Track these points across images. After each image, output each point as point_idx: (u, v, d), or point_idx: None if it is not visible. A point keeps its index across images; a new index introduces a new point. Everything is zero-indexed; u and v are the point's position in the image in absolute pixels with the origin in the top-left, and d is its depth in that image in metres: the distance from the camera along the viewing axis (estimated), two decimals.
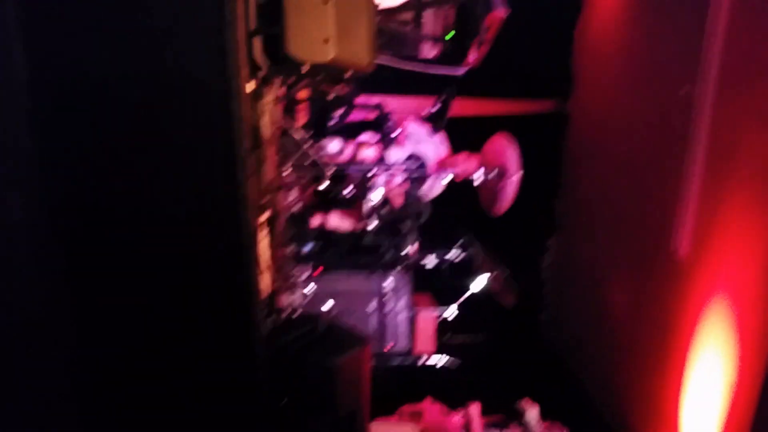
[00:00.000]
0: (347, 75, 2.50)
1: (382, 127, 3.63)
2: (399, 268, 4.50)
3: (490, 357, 5.77)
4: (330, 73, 2.49)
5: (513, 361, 5.71)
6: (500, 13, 2.67)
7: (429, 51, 2.99)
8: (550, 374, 5.83)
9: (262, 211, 2.66)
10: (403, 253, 4.08)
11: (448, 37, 2.83)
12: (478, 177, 3.84)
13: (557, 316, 6.49)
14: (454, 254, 4.31)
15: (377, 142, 3.79)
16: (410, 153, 3.83)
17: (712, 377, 3.92)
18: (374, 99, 3.73)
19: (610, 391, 5.27)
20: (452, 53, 2.93)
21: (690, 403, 4.19)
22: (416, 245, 4.02)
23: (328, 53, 2.27)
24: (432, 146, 4.18)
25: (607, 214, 5.25)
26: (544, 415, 4.08)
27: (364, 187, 3.71)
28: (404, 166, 3.65)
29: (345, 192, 3.72)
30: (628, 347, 5.01)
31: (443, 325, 5.29)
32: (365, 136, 3.81)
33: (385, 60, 2.78)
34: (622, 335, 5.08)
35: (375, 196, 3.72)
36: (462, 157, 4.27)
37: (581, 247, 5.85)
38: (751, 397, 3.48)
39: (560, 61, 5.51)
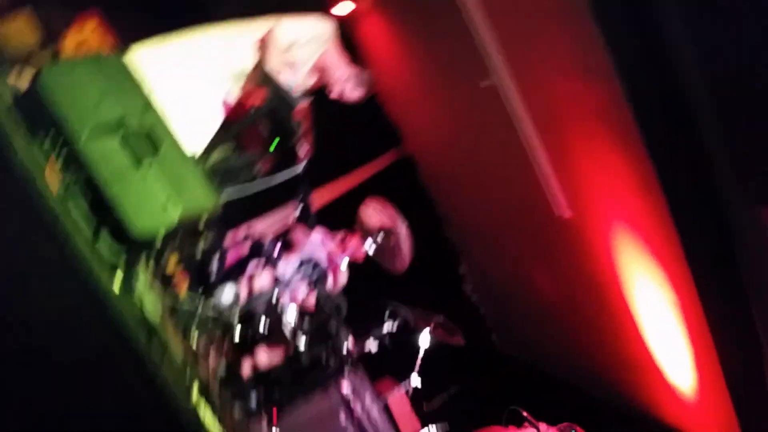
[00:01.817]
0: (201, 224, 2.49)
1: (262, 251, 3.62)
2: (348, 368, 4.40)
3: (469, 402, 5.72)
4: (184, 230, 2.48)
5: (487, 394, 5.66)
6: (302, 105, 2.80)
7: (263, 167, 3.08)
8: (523, 385, 5.85)
9: (190, 391, 2.54)
10: (344, 353, 3.98)
11: (272, 148, 2.91)
12: (369, 246, 3.89)
13: (506, 328, 6.59)
14: (388, 327, 4.27)
15: (265, 267, 3.76)
16: (301, 260, 3.82)
17: (655, 305, 4.13)
18: (240, 231, 3.72)
19: (580, 370, 5.38)
20: (285, 156, 3.02)
21: (652, 336, 4.37)
22: (351, 338, 3.95)
23: (173, 216, 2.25)
24: (317, 244, 4.21)
25: (495, 216, 5.49)
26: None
27: (276, 314, 3.64)
28: (302, 271, 3.63)
29: (260, 329, 3.62)
30: (574, 320, 5.18)
31: (416, 397, 5.19)
32: (251, 268, 3.77)
33: (229, 192, 2.81)
34: (563, 311, 5.25)
35: (290, 317, 3.65)
36: (345, 238, 4.32)
37: (490, 256, 6.03)
38: (695, 299, 3.70)
39: (377, 114, 5.81)
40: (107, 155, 2.12)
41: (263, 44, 2.86)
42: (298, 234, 4.11)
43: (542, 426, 3.79)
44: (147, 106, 2.26)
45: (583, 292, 4.84)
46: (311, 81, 3.18)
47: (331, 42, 3.07)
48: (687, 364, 4.18)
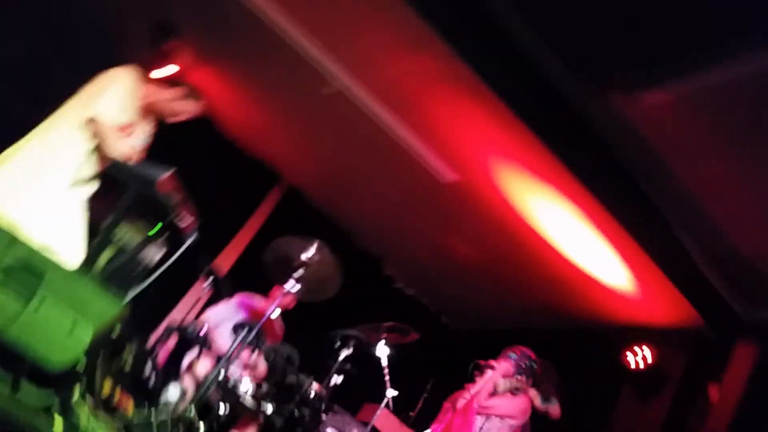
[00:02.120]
0: (116, 334, 2.38)
1: (190, 338, 3.49)
2: (325, 413, 4.31)
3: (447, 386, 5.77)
4: (103, 345, 2.36)
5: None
6: (165, 176, 2.71)
7: (156, 254, 2.96)
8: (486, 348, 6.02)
9: None
10: (313, 400, 3.88)
11: (153, 233, 2.82)
12: (293, 287, 3.82)
13: (450, 307, 6.70)
14: (346, 354, 4.20)
15: (200, 353, 3.63)
16: (232, 327, 3.71)
17: (565, 224, 4.35)
18: (159, 329, 3.57)
19: (531, 313, 5.57)
20: (171, 235, 2.93)
21: (576, 253, 4.59)
22: (314, 382, 3.86)
23: (85, 337, 2.12)
24: (238, 308, 4.12)
25: (395, 209, 5.58)
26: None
27: (232, 393, 3.51)
28: (239, 340, 3.51)
29: (222, 413, 3.48)
30: (503, 270, 5.38)
31: (400, 409, 5.16)
32: (187, 359, 3.62)
33: (131, 293, 2.69)
34: (491, 267, 5.45)
35: (246, 387, 3.53)
36: (272, 291, 4.26)
37: (407, 247, 6.10)
38: None
39: (247, 161, 5.79)
40: None
41: (91, 131, 2.77)
42: (218, 306, 4.00)
43: (492, 362, 3.90)
44: (11, 239, 2.13)
45: (499, 241, 5.01)
46: (149, 126, 3.14)
47: (143, 81, 3.03)
48: (617, 263, 4.42)
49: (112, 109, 2.79)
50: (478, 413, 3.62)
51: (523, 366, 3.73)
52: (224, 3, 4.21)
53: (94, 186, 2.82)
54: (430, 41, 3.51)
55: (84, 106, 2.80)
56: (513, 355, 3.79)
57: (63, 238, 2.61)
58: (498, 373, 3.72)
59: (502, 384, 3.72)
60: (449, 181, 4.60)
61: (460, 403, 3.72)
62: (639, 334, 4.76)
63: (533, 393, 3.74)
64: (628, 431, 4.43)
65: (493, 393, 3.69)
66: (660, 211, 3.94)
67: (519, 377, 3.73)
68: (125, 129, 2.88)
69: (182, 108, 3.13)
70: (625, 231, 4.04)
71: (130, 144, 2.89)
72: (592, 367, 5.02)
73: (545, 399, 3.74)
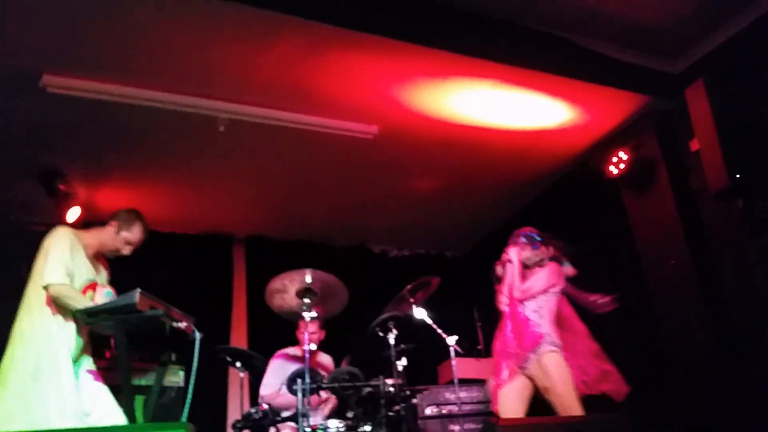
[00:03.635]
0: None
1: (259, 423, 3.44)
2: (415, 397, 4.29)
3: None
4: None
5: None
6: (137, 297, 2.63)
7: (180, 372, 2.87)
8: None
9: None
10: (396, 394, 3.84)
11: (170, 356, 2.75)
12: (308, 315, 3.77)
13: (446, 241, 6.72)
14: (393, 337, 4.18)
15: (277, 428, 3.60)
16: (286, 385, 3.64)
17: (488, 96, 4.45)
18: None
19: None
20: (180, 341, 2.90)
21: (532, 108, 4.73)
22: (386, 380, 3.82)
23: None
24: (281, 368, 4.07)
25: (339, 189, 5.56)
26: None
27: None
28: (300, 392, 3.45)
29: None
30: (481, 174, 5.47)
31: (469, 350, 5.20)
32: None
33: (182, 416, 2.61)
34: (465, 174, 5.51)
35: (334, 426, 3.48)
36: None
37: (371, 218, 6.11)
38: None
39: (198, 237, 5.70)
40: None
41: (57, 300, 2.72)
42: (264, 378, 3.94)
43: (505, 256, 3.87)
44: None
45: (449, 155, 5.06)
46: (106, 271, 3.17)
47: (78, 233, 3.02)
48: (548, 103, 4.50)
49: (60, 271, 2.74)
50: (522, 301, 3.60)
51: (534, 239, 3.73)
52: (80, 118, 4.16)
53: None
54: (279, 21, 3.51)
55: (37, 281, 2.75)
56: (522, 238, 3.76)
57: (98, 407, 2.56)
58: (516, 258, 3.69)
59: (530, 261, 3.71)
60: (374, 134, 4.60)
61: (503, 304, 3.69)
62: (605, 145, 4.88)
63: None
64: (651, 226, 4.54)
65: (524, 277, 3.67)
66: (553, 34, 4.02)
67: (536, 251, 3.73)
68: (88, 289, 2.86)
69: (127, 238, 3.12)
70: (534, 71, 4.12)
71: (98, 299, 2.85)
72: (590, 200, 5.11)
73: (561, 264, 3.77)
